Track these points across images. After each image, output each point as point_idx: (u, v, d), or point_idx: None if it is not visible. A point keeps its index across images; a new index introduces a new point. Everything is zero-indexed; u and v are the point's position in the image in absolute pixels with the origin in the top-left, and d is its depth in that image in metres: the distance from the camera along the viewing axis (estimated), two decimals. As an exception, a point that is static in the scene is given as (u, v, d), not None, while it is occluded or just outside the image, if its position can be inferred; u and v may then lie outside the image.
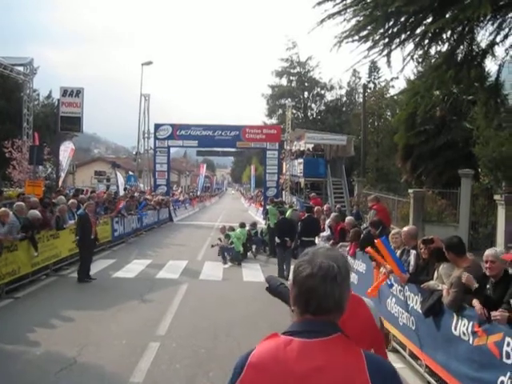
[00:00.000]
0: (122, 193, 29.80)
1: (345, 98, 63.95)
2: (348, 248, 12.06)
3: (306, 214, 16.27)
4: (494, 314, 5.24)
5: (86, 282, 13.41)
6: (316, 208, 17.43)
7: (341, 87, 63.72)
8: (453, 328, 6.22)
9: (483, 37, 11.71)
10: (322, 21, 11.15)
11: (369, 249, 8.97)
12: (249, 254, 19.02)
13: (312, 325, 1.94)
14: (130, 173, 42.88)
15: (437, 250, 7.31)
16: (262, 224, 25.84)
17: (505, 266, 5.93)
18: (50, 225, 14.34)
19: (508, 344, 5.15)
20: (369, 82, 53.62)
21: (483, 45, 11.92)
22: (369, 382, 1.82)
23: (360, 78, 59.16)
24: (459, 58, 12.11)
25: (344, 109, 61.94)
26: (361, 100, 41.71)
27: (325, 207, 18.41)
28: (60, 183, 28.06)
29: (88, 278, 13.61)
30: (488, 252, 5.94)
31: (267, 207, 25.09)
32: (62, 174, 29.20)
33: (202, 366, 7.37)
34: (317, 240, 15.09)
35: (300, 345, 1.90)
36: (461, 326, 6.06)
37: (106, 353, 7.79)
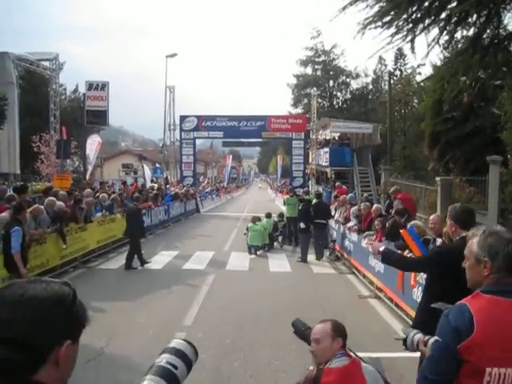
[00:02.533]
0: (149, 185, 29.97)
1: (371, 86, 63.40)
2: (374, 237, 11.99)
3: (315, 200, 17.88)
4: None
5: (133, 269, 14.14)
6: (342, 197, 17.61)
7: (366, 75, 63.24)
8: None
9: (510, 20, 11.51)
10: (345, 8, 11.05)
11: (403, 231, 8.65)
12: (275, 244, 19.02)
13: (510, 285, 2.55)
14: (157, 165, 43.18)
15: None
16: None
17: None
18: (78, 219, 14.52)
19: None
20: (395, 69, 52.99)
21: (510, 28, 11.70)
22: None
23: (386, 66, 58.53)
24: (485, 42, 11.89)
25: (370, 97, 61.48)
26: (387, 88, 41.25)
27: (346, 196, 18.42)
28: (87, 176, 28.39)
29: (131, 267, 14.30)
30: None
31: (284, 197, 25.26)
32: (90, 168, 29.50)
33: (227, 356, 7.41)
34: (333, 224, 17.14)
35: (507, 302, 2.49)
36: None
37: (133, 343, 7.88)
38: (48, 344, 1.37)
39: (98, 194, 18.41)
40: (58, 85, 29.44)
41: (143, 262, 14.46)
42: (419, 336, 3.13)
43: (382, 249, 5.12)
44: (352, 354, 3.50)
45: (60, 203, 13.12)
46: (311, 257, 16.36)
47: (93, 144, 29.37)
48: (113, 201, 18.27)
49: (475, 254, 2.67)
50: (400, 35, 11.10)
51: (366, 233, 12.94)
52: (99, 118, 28.63)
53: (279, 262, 15.84)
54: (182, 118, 38.49)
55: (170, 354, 1.75)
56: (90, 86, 28.28)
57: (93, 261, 15.23)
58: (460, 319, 2.46)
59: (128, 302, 10.53)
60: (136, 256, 14.49)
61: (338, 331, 3.54)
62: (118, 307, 10.08)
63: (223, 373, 6.82)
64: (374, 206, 14.00)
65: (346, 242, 15.37)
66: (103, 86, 28.34)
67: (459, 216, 4.77)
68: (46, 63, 27.78)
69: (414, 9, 10.48)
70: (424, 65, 43.01)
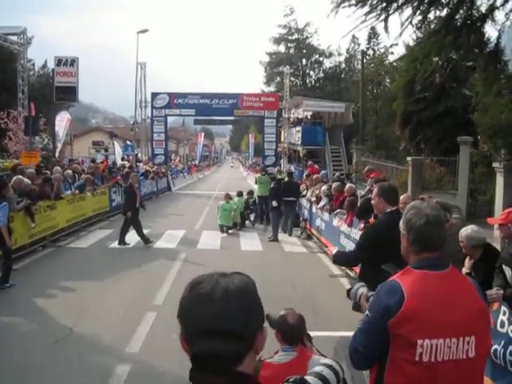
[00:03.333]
0: (119, 162, 29.63)
1: (344, 65, 63.47)
2: (345, 217, 12.04)
3: (287, 178, 18.17)
4: (489, 292, 5.18)
5: (125, 244, 14.44)
6: (315, 177, 17.67)
7: (340, 54, 63.24)
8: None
9: (483, 1, 11.50)
10: (319, -15, 10.92)
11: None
12: (247, 222, 19.00)
13: (435, 260, 2.63)
14: (128, 142, 42.63)
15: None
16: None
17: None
18: (49, 196, 14.26)
19: (504, 313, 5.16)
20: (368, 48, 53.06)
21: (483, 9, 11.72)
22: (480, 298, 2.62)
23: (359, 45, 58.57)
24: (458, 23, 11.92)
25: (343, 76, 61.55)
26: (360, 67, 41.29)
27: (320, 175, 18.45)
28: (57, 154, 27.91)
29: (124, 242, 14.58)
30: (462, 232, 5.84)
31: (255, 176, 25.29)
32: (59, 145, 29.00)
33: (198, 335, 7.37)
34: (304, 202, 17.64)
35: (436, 275, 2.58)
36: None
37: (102, 323, 7.78)
38: (253, 333, 1.46)
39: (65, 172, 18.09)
40: (26, 60, 28.70)
41: (146, 241, 14.57)
42: (363, 290, 3.21)
43: (334, 252, 5.24)
44: (310, 349, 3.47)
45: (27, 181, 12.84)
46: (282, 235, 16.41)
47: (62, 121, 28.84)
48: (85, 180, 17.93)
49: (400, 226, 2.81)
50: (374, 14, 11.04)
51: (337, 210, 12.99)
52: (69, 95, 28.07)
53: (251, 241, 15.84)
54: (154, 95, 38.01)
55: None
56: (59, 61, 27.66)
57: (62, 240, 15.03)
58: (391, 296, 2.54)
59: (97, 281, 10.40)
60: (138, 235, 14.69)
61: (276, 325, 3.48)
62: (86, 287, 9.95)
63: (194, 353, 6.79)
64: (348, 185, 14.03)
65: (318, 221, 15.42)
66: (72, 62, 27.74)
67: (386, 192, 5.14)
68: (14, 37, 27.05)
69: (388, -13, 10.43)
70: (397, 45, 43.04)
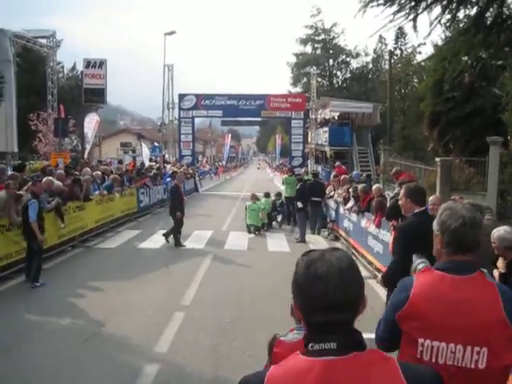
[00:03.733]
0: (147, 163, 29.86)
1: (371, 65, 63.10)
2: (373, 217, 11.95)
3: (313, 179, 18.00)
4: None
5: (182, 246, 14.66)
6: (342, 177, 17.63)
7: (367, 54, 62.91)
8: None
9: (514, -1, 11.32)
10: (346, -15, 10.86)
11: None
12: (274, 223, 18.98)
13: (461, 264, 2.54)
14: (156, 144, 42.98)
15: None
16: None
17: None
18: (79, 196, 14.44)
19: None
20: (395, 48, 52.68)
21: (514, 7, 11.53)
22: (502, 309, 2.40)
23: (386, 45, 58.25)
24: (488, 22, 11.74)
25: (370, 76, 61.19)
26: (387, 67, 40.97)
27: (346, 176, 18.44)
28: (86, 155, 28.21)
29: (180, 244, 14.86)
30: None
31: (283, 177, 25.23)
32: (88, 146, 29.33)
33: (226, 335, 7.40)
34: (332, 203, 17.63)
35: (452, 280, 2.50)
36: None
37: (131, 323, 7.85)
38: (361, 300, 1.73)
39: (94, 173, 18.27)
40: (55, 62, 29.15)
41: (178, 243, 14.83)
42: (423, 265, 3.32)
43: (379, 278, 5.35)
44: None
45: (57, 182, 13.02)
46: (310, 237, 16.35)
47: (91, 122, 29.16)
48: (112, 180, 18.09)
49: (434, 227, 2.77)
50: (402, 13, 10.95)
51: (349, 204, 12.95)
52: (97, 96, 28.38)
53: (278, 242, 15.82)
54: (181, 97, 38.27)
55: None
56: (88, 63, 27.98)
57: (91, 240, 15.19)
58: (402, 291, 2.60)
59: (126, 281, 10.49)
60: (174, 233, 14.99)
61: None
62: (115, 287, 10.04)
63: (222, 352, 6.81)
64: (375, 185, 13.93)
65: (345, 222, 15.34)
66: (101, 64, 28.04)
67: (414, 193, 5.21)
68: (43, 40, 27.45)
69: (417, -14, 10.33)
70: (425, 44, 42.75)
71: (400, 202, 5.30)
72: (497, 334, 2.40)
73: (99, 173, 17.86)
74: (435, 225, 2.75)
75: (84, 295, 9.48)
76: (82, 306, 8.71)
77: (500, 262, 5.75)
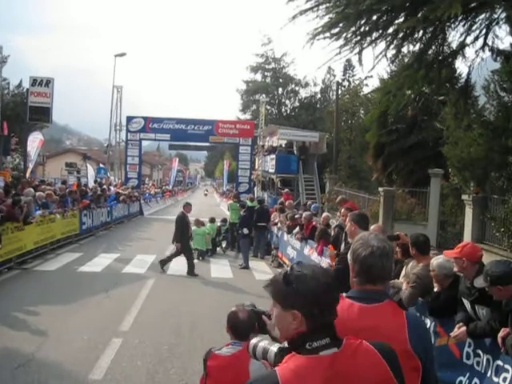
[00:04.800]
0: (91, 185, 29.39)
1: (319, 95, 63.98)
2: (315, 245, 12.07)
3: (258, 205, 18.17)
4: (453, 334, 5.25)
5: (195, 275, 14.31)
6: (287, 203, 18.01)
7: (315, 84, 63.81)
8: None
9: (454, 38, 11.81)
10: (295, 17, 11.09)
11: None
12: (218, 249, 18.92)
13: (370, 293, 2.59)
14: (101, 165, 42.36)
15: (403, 245, 7.30)
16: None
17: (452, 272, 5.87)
18: (18, 219, 13.94)
19: (469, 345, 5.19)
20: (343, 79, 53.77)
21: (454, 45, 12.00)
22: (407, 339, 2.46)
23: (335, 76, 59.23)
24: (430, 58, 12.16)
25: (318, 106, 62.01)
26: (335, 98, 41.74)
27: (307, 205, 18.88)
28: (28, 174, 27.56)
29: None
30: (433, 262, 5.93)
31: (227, 203, 25.28)
32: (30, 165, 28.63)
33: (164, 362, 7.28)
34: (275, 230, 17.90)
35: (360, 308, 2.55)
36: (422, 326, 6.07)
37: (66, 349, 7.62)
38: None
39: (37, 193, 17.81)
40: (0, 79, 28.55)
41: (163, 266, 14.68)
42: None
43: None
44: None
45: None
46: (253, 263, 16.34)
47: (34, 141, 28.54)
48: (47, 196, 17.60)
49: (348, 258, 2.82)
50: (348, 47, 11.22)
51: (295, 230, 13.12)
52: (42, 115, 27.82)
53: (221, 268, 15.77)
54: (129, 119, 38.02)
55: None
56: (34, 81, 27.47)
57: (29, 262, 14.75)
58: None
59: (63, 305, 10.22)
60: (167, 258, 14.93)
61: (227, 320, 3.88)
62: (52, 311, 9.77)
63: (158, 380, 6.68)
64: (324, 214, 14.18)
65: (289, 249, 15.43)
66: (47, 82, 27.57)
67: (358, 219, 5.77)
68: (-11, 56, 26.94)
69: (363, 22, 10.60)
70: (371, 77, 43.77)
71: (347, 228, 5.54)
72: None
73: (42, 193, 17.43)
74: (348, 255, 2.79)
75: (18, 319, 9.15)
76: (16, 331, 8.41)
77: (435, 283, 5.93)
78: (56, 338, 8.14)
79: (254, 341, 2.64)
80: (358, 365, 2.00)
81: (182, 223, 14.96)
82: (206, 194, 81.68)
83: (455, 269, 5.68)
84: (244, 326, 3.68)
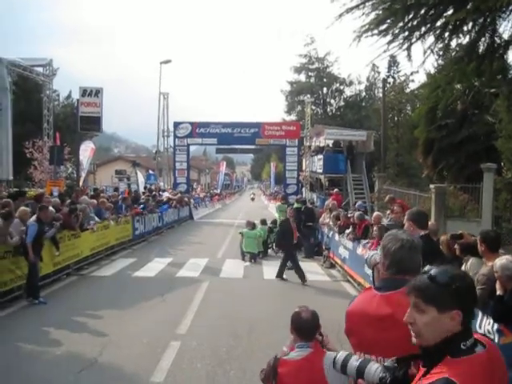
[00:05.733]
0: (142, 191, 29.90)
1: (364, 93, 63.51)
2: (369, 244, 11.95)
3: (303, 206, 19.14)
4: None
5: (282, 279, 14.00)
6: (331, 203, 18.73)
7: (360, 82, 63.40)
8: (477, 326, 6.08)
9: (505, 28, 11.50)
10: (341, 15, 11.01)
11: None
12: (270, 251, 18.94)
13: (394, 282, 2.75)
14: (150, 171, 43.00)
15: (467, 245, 7.15)
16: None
17: None
18: (74, 227, 14.25)
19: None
20: (388, 76, 53.13)
21: (505, 36, 11.67)
22: None
23: (379, 73, 58.74)
24: (481, 50, 11.87)
25: (363, 104, 61.52)
26: (380, 95, 41.33)
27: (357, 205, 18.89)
28: (81, 183, 28.25)
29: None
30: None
31: (276, 204, 25.22)
32: (83, 174, 29.36)
33: (223, 365, 7.31)
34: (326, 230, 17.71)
35: (380, 298, 2.76)
36: (485, 325, 5.91)
37: (126, 352, 7.76)
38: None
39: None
40: (51, 91, 29.36)
41: (302, 278, 13.74)
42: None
43: None
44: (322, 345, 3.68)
45: (51, 209, 12.95)
46: (306, 265, 16.27)
47: (86, 150, 29.25)
48: (100, 204, 17.97)
49: (378, 253, 3.02)
50: (396, 43, 11.06)
51: (363, 241, 12.92)
52: (93, 125, 28.46)
53: (274, 269, 15.71)
54: (176, 125, 38.41)
55: None
56: (84, 92, 28.11)
57: (85, 268, 15.09)
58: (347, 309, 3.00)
59: (121, 310, 10.41)
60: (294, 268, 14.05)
61: (291, 322, 3.76)
62: (111, 315, 9.96)
63: (219, 382, 6.73)
64: (375, 213, 14.05)
65: (341, 250, 15.31)
66: (97, 93, 28.19)
67: (415, 217, 5.47)
68: (40, 69, 27.68)
69: (411, 17, 10.45)
70: (417, 72, 43.17)
71: (405, 227, 5.35)
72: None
73: (94, 201, 17.80)
74: (379, 251, 2.98)
75: (79, 324, 9.37)
76: (77, 336, 8.61)
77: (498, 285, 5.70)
78: (117, 341, 8.29)
79: (331, 355, 3.04)
80: (501, 360, 2.08)
81: (286, 229, 14.61)
82: (253, 199, 75.31)
83: None
84: (309, 325, 3.68)
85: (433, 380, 1.94)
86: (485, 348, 2.02)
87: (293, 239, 14.35)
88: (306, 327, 3.67)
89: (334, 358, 3.15)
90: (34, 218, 11.23)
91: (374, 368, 2.72)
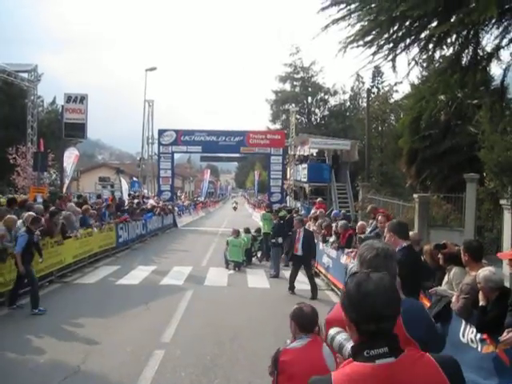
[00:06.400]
0: (126, 198, 29.77)
1: (348, 103, 63.90)
2: (354, 253, 11.99)
3: (287, 214, 18.79)
4: (502, 338, 5.12)
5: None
6: (319, 211, 18.29)
7: (344, 92, 63.79)
8: (461, 335, 6.14)
9: (488, 41, 11.60)
10: (327, 26, 11.06)
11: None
12: (254, 259, 18.95)
13: None
14: (134, 179, 42.88)
15: (450, 254, 7.22)
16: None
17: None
18: (52, 233, 14.09)
19: (518, 352, 5.09)
20: (372, 86, 53.56)
21: (488, 49, 11.81)
22: (402, 326, 2.67)
23: (364, 83, 59.20)
24: (464, 62, 12.00)
25: (348, 114, 61.88)
26: (364, 105, 41.63)
27: (332, 213, 18.95)
28: (64, 189, 28.03)
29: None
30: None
31: (260, 213, 25.24)
32: (67, 181, 29.12)
33: (207, 373, 7.30)
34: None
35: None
36: (469, 333, 5.98)
37: (110, 360, 7.72)
38: (398, 313, 2.20)
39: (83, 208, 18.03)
40: (35, 96, 29.15)
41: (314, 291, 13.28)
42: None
43: None
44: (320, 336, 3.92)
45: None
46: (288, 273, 16.28)
47: (70, 157, 29.05)
48: (84, 211, 17.85)
49: (355, 263, 3.02)
50: (381, 54, 11.13)
51: (346, 250, 12.97)
52: (77, 131, 28.35)
53: (258, 278, 15.78)
54: (161, 132, 38.36)
55: None
56: (69, 98, 28.00)
57: (69, 275, 14.98)
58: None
59: (104, 318, 10.34)
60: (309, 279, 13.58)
61: (292, 316, 4.15)
62: (94, 323, 9.89)
63: (203, 391, 6.72)
64: (359, 223, 14.14)
65: (325, 258, 15.37)
66: (82, 99, 28.09)
67: (396, 228, 5.35)
68: (24, 75, 27.50)
69: (396, 28, 10.53)
70: (401, 83, 43.54)
71: (386, 239, 5.33)
72: None
73: (78, 209, 17.67)
74: (356, 260, 3.08)
75: (62, 332, 9.30)
76: (61, 344, 8.55)
77: (480, 297, 5.76)
78: (100, 350, 8.25)
79: (332, 332, 2.79)
80: (415, 376, 2.01)
81: (308, 238, 14.01)
82: (235, 208, 68.58)
83: (508, 270, 5.57)
84: (310, 318, 4.05)
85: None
86: (393, 363, 2.02)
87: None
88: (307, 320, 4.02)
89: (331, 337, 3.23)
90: (23, 228, 11.27)
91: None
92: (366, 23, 10.75)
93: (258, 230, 20.78)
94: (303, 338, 3.96)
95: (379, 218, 11.51)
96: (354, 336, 2.12)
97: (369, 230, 14.34)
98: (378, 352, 2.01)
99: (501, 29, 10.74)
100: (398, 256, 5.41)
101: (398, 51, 11.09)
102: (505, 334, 5.09)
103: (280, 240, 16.64)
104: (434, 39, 11.00)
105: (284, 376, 3.78)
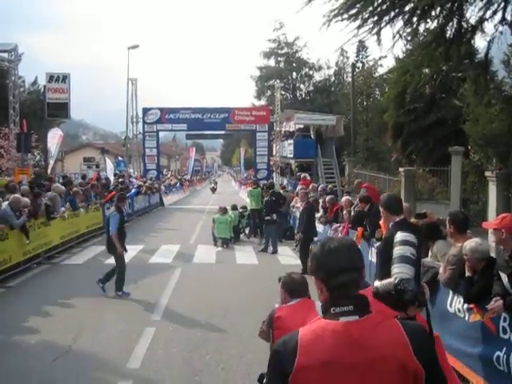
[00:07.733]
0: (111, 178, 29.59)
1: (333, 78, 63.75)
2: (341, 227, 12.08)
3: (270, 191, 17.78)
4: (490, 306, 5.17)
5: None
6: (311, 186, 18.26)
7: (329, 67, 63.61)
8: (448, 305, 6.22)
9: (472, 13, 11.63)
10: (310, 0, 11.02)
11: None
12: (242, 236, 18.99)
13: None
14: (120, 158, 42.64)
15: (429, 224, 7.26)
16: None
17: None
18: (37, 215, 13.93)
19: (504, 319, 5.16)
20: (357, 61, 53.31)
21: (472, 21, 11.83)
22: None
23: (348, 58, 58.97)
24: (448, 35, 12.03)
25: (333, 89, 61.75)
26: (349, 80, 41.56)
27: (320, 187, 18.84)
28: (49, 170, 27.83)
29: None
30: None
31: (247, 190, 25.20)
32: (51, 161, 28.90)
33: (199, 349, 7.35)
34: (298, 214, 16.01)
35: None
36: (456, 303, 6.06)
37: (101, 339, 7.75)
38: (363, 267, 2.27)
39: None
40: (16, 76, 28.68)
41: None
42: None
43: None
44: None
45: (25, 199, 12.78)
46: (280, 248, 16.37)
47: (54, 137, 28.77)
48: (73, 194, 17.79)
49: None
50: (366, 28, 11.13)
51: (334, 225, 13.04)
52: (60, 111, 27.97)
53: (246, 255, 15.83)
54: (145, 111, 38.08)
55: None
56: (51, 78, 27.59)
57: (57, 256, 14.95)
58: None
59: (94, 297, 10.34)
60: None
61: (282, 283, 4.25)
62: (84, 303, 9.91)
63: (195, 366, 6.76)
64: (345, 197, 14.17)
65: (313, 233, 15.42)
66: (64, 78, 27.68)
67: (386, 203, 5.14)
68: (4, 54, 27.03)
69: (380, 1, 10.52)
70: (386, 57, 43.44)
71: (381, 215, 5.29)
72: None
73: (63, 187, 17.57)
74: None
75: (53, 312, 9.31)
76: (52, 324, 8.56)
77: (467, 267, 5.82)
78: (91, 329, 8.27)
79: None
80: (376, 337, 2.06)
81: (311, 213, 14.18)
82: (213, 189, 55.86)
83: (494, 240, 5.61)
84: (300, 285, 4.14)
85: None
86: (356, 321, 2.08)
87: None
88: (297, 286, 4.11)
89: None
90: (112, 208, 11.78)
91: None
92: (351, -4, 10.73)
93: (244, 207, 20.75)
94: (294, 300, 4.07)
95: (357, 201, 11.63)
96: (323, 295, 2.19)
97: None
98: (343, 310, 2.09)
99: (484, 1, 10.75)
100: (387, 234, 5.31)
101: (383, 24, 11.09)
102: (492, 302, 5.16)
103: (275, 217, 16.48)
104: (419, 12, 11.00)
105: (280, 331, 3.78)
